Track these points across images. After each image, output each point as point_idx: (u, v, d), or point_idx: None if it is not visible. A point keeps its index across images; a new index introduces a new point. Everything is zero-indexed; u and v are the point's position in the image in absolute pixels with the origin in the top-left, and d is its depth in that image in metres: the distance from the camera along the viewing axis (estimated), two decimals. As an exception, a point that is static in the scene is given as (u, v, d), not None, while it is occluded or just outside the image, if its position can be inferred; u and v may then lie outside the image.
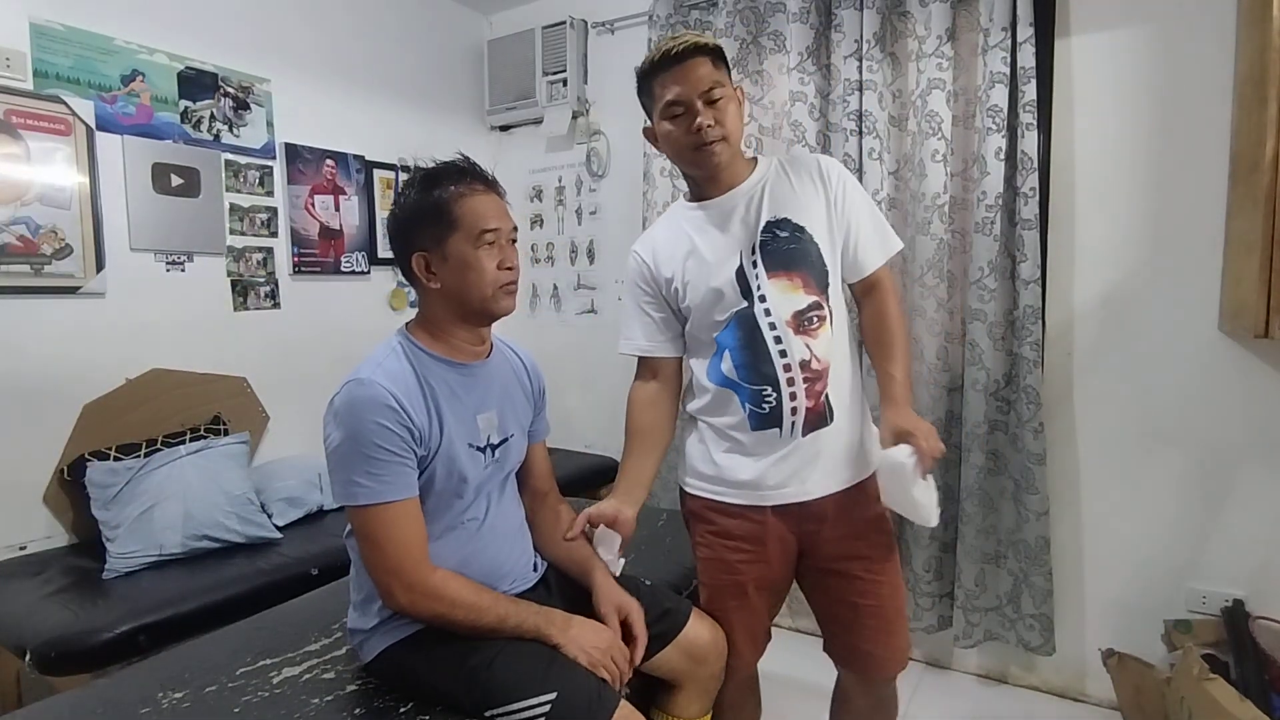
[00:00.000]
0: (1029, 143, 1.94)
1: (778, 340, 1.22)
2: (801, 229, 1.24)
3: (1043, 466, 2.00)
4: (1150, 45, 1.91)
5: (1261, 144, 1.58)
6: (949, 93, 2.05)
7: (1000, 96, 1.96)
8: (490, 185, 1.20)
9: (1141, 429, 1.99)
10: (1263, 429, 1.85)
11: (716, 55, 1.23)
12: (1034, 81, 1.93)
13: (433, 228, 1.14)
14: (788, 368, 1.21)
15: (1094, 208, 2.01)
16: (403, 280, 2.75)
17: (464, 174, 1.18)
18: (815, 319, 1.23)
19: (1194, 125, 1.86)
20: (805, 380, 1.22)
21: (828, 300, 1.25)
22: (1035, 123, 1.94)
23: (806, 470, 1.25)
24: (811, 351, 1.22)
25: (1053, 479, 2.05)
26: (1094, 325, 2.04)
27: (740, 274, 1.24)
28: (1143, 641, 1.95)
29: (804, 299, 1.23)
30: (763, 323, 1.23)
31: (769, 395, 1.23)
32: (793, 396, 1.22)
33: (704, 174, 1.29)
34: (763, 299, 1.23)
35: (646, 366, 1.38)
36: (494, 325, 1.25)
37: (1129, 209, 1.96)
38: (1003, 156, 1.97)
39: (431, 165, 1.20)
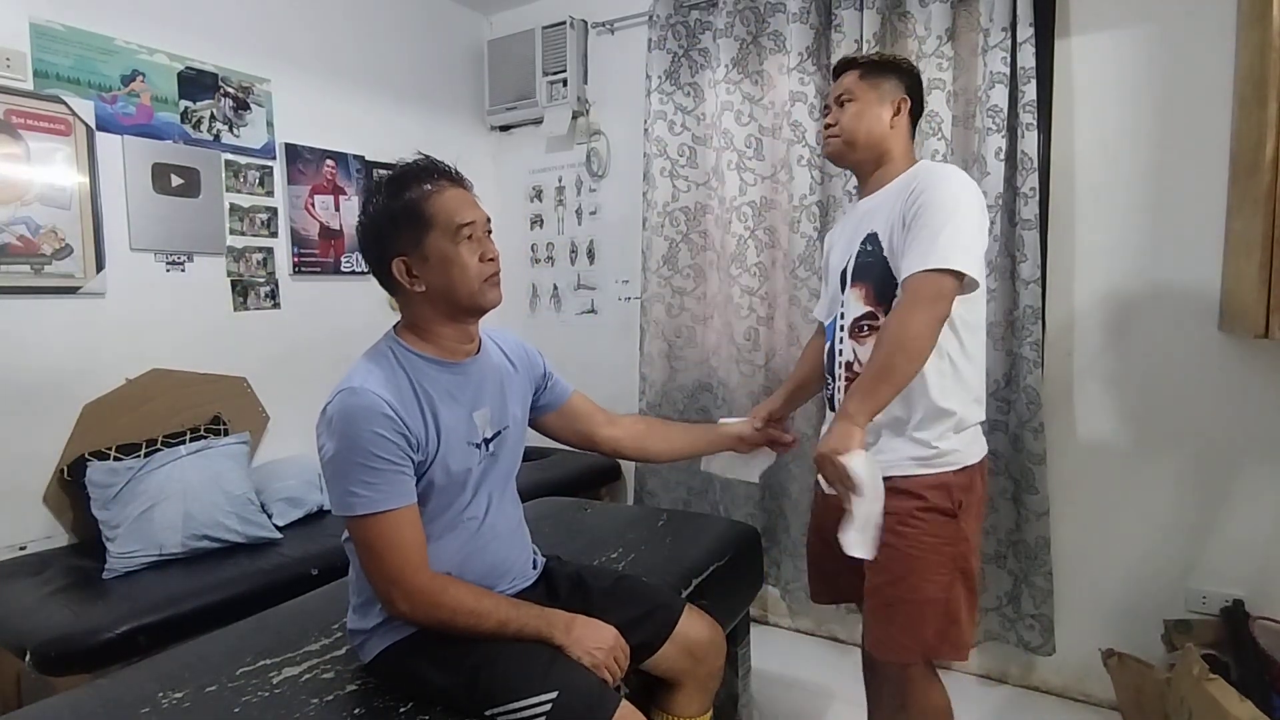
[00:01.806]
0: (1029, 143, 1.95)
1: (840, 341, 1.41)
2: (880, 245, 1.34)
3: (1043, 466, 2.00)
4: (1150, 45, 1.91)
5: (1261, 144, 1.58)
6: (949, 93, 2.05)
7: (1000, 97, 1.96)
8: (456, 180, 1.18)
9: (1141, 429, 1.99)
10: (1263, 429, 1.85)
11: (869, 69, 1.41)
12: (1034, 82, 1.94)
13: (408, 230, 1.12)
14: (836, 365, 1.42)
15: (1094, 208, 2.01)
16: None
17: (428, 172, 1.16)
18: (867, 328, 1.36)
19: (1194, 125, 1.87)
20: (845, 379, 1.40)
21: (884, 313, 1.32)
22: (1035, 123, 1.95)
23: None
24: (856, 356, 1.37)
25: (1053, 479, 2.05)
26: (1094, 325, 2.04)
27: (843, 278, 1.42)
28: (1143, 641, 1.94)
29: (863, 308, 1.37)
30: (837, 325, 1.43)
31: (829, 384, 1.46)
32: (837, 390, 1.42)
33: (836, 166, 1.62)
34: (843, 304, 1.42)
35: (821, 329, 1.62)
36: (484, 319, 1.24)
37: (1129, 209, 1.97)
38: (1003, 156, 1.98)
39: (392, 169, 1.18)
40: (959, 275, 1.20)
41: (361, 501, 1.06)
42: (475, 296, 1.15)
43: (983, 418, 1.38)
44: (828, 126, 1.44)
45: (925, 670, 1.39)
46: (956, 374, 1.31)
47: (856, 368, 1.36)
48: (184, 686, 1.15)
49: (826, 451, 1.16)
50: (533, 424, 1.41)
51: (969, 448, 1.34)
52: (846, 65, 1.45)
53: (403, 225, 1.13)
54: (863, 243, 1.38)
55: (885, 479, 1.26)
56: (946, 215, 1.22)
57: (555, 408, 1.41)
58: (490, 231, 1.19)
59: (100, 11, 2.06)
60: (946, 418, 1.30)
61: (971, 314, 1.33)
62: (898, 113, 1.40)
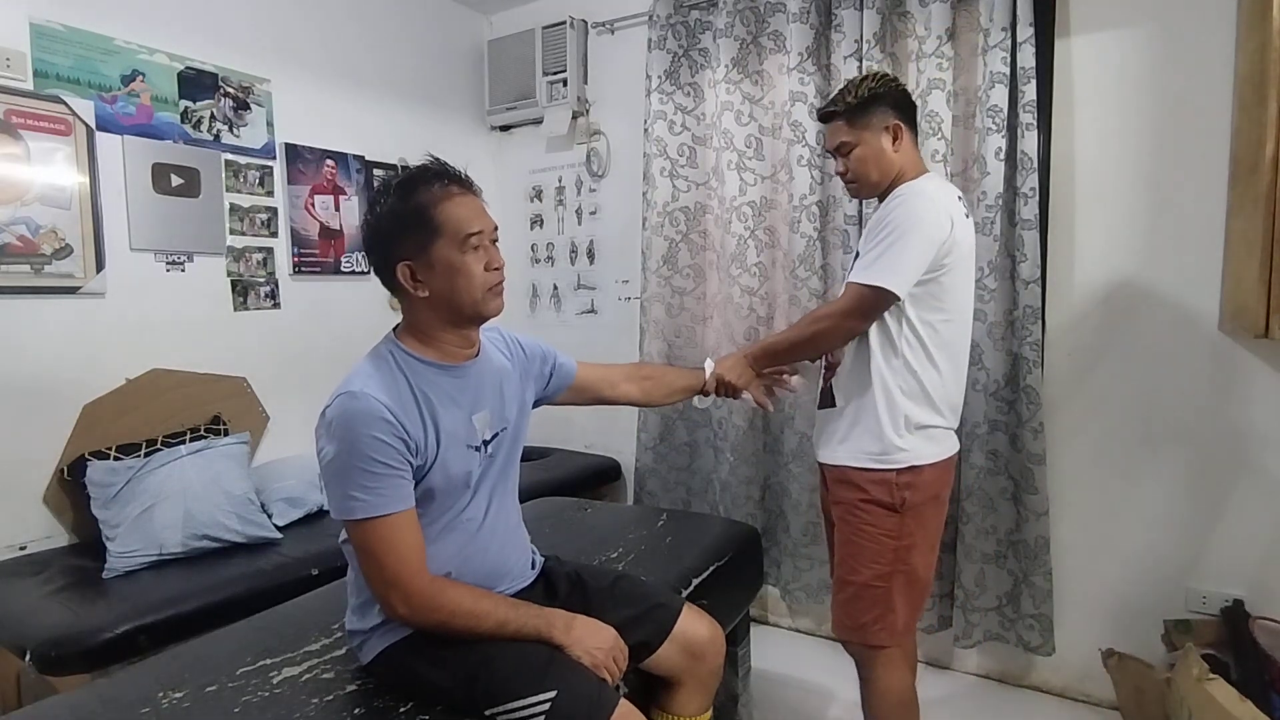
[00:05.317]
0: (1029, 143, 1.94)
1: None
2: (859, 255, 1.48)
3: (1043, 466, 2.00)
4: (1150, 45, 1.91)
5: (1261, 144, 1.58)
6: (949, 93, 2.05)
7: (1000, 96, 1.96)
8: (466, 186, 1.17)
9: (1141, 429, 1.99)
10: (1263, 429, 1.85)
11: (852, 113, 1.47)
12: (1034, 81, 1.94)
13: (415, 236, 1.11)
14: (823, 355, 1.59)
15: (1094, 208, 2.01)
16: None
17: (439, 177, 1.14)
18: None
19: (1194, 125, 1.87)
20: (826, 367, 1.59)
21: None
22: (1035, 123, 1.94)
23: (819, 435, 1.59)
24: (834, 354, 1.55)
25: (1053, 479, 2.05)
26: (1094, 325, 2.04)
27: (846, 278, 1.55)
28: (1143, 641, 1.95)
29: None
30: None
31: (823, 372, 1.62)
32: (821, 378, 1.60)
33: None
34: None
35: None
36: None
37: (1129, 209, 1.97)
38: (1003, 156, 1.98)
39: (403, 171, 1.17)
40: (889, 292, 1.36)
41: (360, 506, 1.06)
42: (478, 305, 1.15)
43: (937, 423, 1.46)
44: (842, 175, 1.55)
45: (889, 654, 1.47)
46: (912, 378, 1.43)
47: (832, 358, 1.55)
48: (184, 686, 1.15)
49: (731, 380, 1.58)
50: (547, 402, 1.47)
51: (919, 449, 1.43)
52: (829, 115, 1.52)
53: (410, 230, 1.12)
54: (858, 249, 1.51)
55: (836, 468, 1.50)
56: (895, 233, 1.37)
57: (564, 388, 1.48)
58: (496, 240, 1.19)
59: (100, 11, 2.05)
60: (894, 416, 1.43)
61: (948, 329, 1.44)
62: (896, 137, 1.47)
